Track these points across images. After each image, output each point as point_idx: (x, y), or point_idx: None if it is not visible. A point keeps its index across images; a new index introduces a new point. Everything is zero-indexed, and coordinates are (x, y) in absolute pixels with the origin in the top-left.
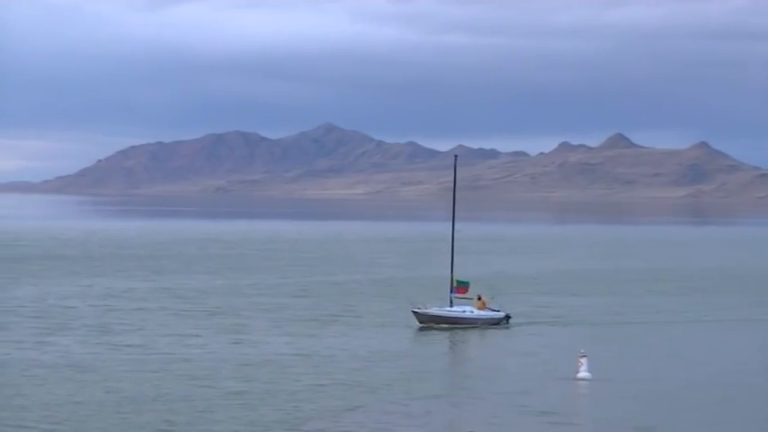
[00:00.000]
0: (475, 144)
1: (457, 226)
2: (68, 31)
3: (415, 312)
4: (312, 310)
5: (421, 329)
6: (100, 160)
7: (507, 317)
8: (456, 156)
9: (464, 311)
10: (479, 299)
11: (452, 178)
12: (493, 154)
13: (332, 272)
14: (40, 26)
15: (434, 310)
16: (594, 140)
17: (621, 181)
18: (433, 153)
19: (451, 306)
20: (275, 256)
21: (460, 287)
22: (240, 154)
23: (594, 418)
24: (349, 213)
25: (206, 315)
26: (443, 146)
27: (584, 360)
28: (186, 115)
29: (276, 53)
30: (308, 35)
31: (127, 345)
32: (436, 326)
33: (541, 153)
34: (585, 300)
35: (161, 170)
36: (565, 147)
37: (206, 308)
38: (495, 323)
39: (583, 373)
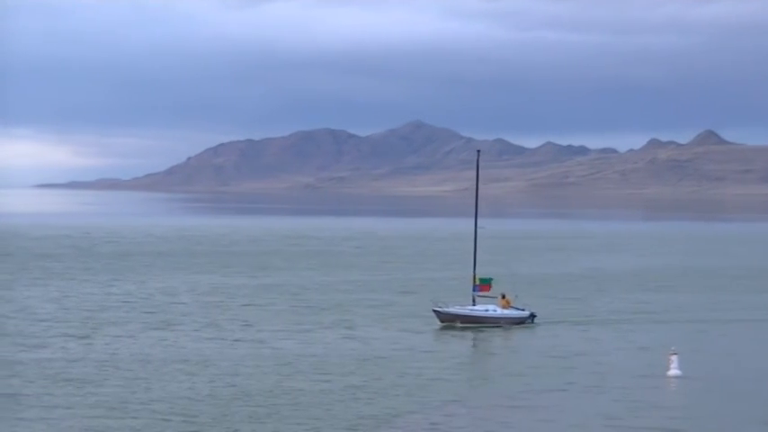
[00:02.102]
0: (563, 141)
1: (480, 223)
2: (159, 30)
3: (435, 311)
4: (412, 306)
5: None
6: (189, 158)
7: (532, 315)
8: (479, 150)
9: (486, 310)
10: (503, 297)
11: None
12: (582, 150)
13: (428, 268)
14: (133, 26)
15: (456, 309)
16: (684, 137)
17: (711, 178)
18: (521, 150)
19: (474, 304)
20: (371, 252)
21: (483, 285)
22: (328, 151)
23: (711, 414)
24: (439, 210)
25: (311, 311)
26: (532, 143)
27: (674, 357)
28: (275, 113)
29: (365, 50)
30: (398, 32)
31: (236, 339)
32: (460, 325)
33: (631, 150)
34: (676, 297)
35: (250, 167)
36: (654, 143)
37: (310, 304)
38: (520, 322)
39: (673, 371)
